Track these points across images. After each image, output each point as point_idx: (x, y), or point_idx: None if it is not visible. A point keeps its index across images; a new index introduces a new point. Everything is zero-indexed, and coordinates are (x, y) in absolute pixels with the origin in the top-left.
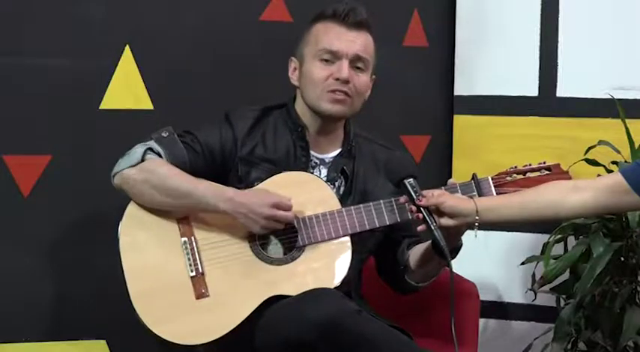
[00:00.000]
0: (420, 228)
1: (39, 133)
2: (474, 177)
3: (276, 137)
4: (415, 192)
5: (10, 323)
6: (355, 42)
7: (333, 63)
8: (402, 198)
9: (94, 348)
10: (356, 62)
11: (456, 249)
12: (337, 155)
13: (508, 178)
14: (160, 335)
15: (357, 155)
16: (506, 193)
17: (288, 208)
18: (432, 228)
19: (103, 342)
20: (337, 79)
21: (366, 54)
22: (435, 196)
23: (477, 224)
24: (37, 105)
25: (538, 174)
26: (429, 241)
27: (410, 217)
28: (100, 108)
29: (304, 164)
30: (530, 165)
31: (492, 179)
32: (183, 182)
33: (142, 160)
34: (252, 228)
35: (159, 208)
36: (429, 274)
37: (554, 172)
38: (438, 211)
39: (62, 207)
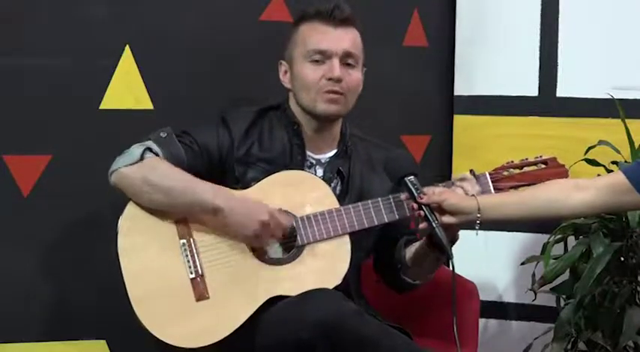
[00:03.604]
0: (421, 225)
1: (39, 133)
2: (471, 172)
3: (272, 136)
4: (416, 189)
5: (10, 323)
6: (343, 39)
7: (323, 63)
8: (403, 196)
9: (94, 348)
10: (346, 59)
11: (452, 241)
12: (333, 155)
13: (505, 173)
14: (162, 339)
15: (352, 155)
16: (503, 188)
17: (281, 222)
18: (434, 225)
19: (103, 342)
20: (330, 79)
21: (355, 49)
22: (436, 194)
23: (478, 222)
24: (37, 105)
25: (535, 167)
26: (424, 238)
27: (408, 214)
28: (100, 108)
29: (300, 163)
30: (526, 159)
31: (490, 174)
32: (182, 179)
33: (141, 159)
34: (244, 231)
35: (156, 208)
36: (426, 271)
37: (551, 165)
38: (439, 209)
39: (62, 207)
